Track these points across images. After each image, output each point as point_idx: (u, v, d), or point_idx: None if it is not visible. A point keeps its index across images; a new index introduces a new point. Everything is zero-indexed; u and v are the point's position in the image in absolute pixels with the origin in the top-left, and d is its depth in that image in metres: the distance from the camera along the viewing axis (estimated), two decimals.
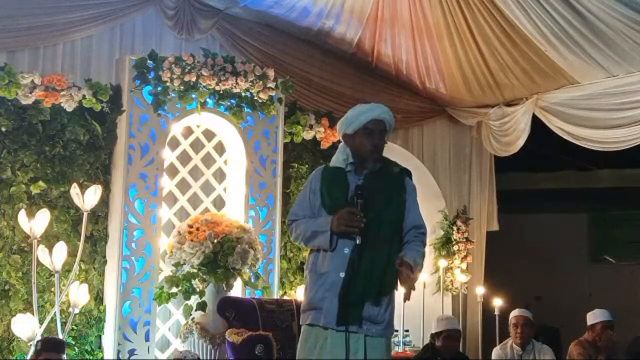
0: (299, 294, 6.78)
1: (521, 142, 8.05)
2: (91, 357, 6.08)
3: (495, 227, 8.70)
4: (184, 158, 6.80)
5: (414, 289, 3.75)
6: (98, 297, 6.21)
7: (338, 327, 3.68)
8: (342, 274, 3.69)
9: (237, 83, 6.65)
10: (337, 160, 3.88)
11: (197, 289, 6.17)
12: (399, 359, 6.99)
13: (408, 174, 3.99)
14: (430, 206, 8.27)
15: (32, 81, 6.00)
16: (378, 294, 3.73)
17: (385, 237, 3.75)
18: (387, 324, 3.80)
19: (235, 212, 6.74)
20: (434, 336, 5.96)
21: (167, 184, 6.60)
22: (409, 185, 3.94)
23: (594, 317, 6.41)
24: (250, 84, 6.72)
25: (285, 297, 6.82)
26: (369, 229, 3.69)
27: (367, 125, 3.81)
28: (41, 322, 5.67)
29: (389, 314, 3.80)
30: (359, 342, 3.70)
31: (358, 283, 3.68)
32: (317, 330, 3.73)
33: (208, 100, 6.64)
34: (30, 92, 5.99)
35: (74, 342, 6.00)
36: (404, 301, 3.80)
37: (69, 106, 6.12)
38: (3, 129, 5.95)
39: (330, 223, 3.70)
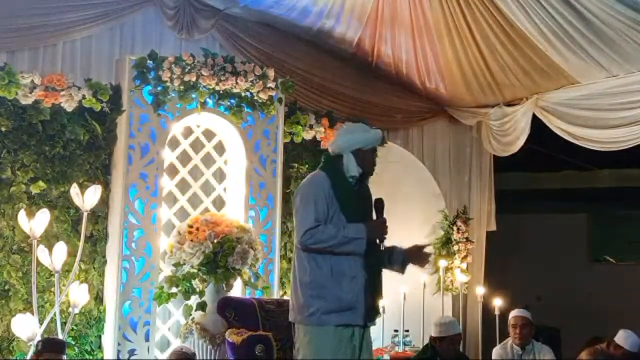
0: None
1: (521, 142, 8.05)
2: (91, 357, 6.08)
3: (492, 227, 8.69)
4: (184, 158, 6.79)
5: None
6: (98, 297, 6.21)
7: (362, 324, 4.08)
8: (365, 276, 4.08)
9: (237, 83, 6.64)
10: (348, 170, 4.18)
11: (197, 289, 6.17)
12: (399, 359, 6.99)
13: None
14: (430, 206, 8.27)
15: (32, 81, 6.01)
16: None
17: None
18: None
19: (235, 212, 6.74)
20: (435, 339, 5.92)
21: (167, 184, 6.59)
22: None
23: (624, 339, 6.14)
24: (250, 84, 6.71)
25: (285, 297, 6.80)
26: None
27: (375, 145, 4.29)
28: (41, 322, 5.67)
29: None
30: (367, 334, 4.17)
31: (380, 283, 4.20)
32: (348, 330, 4.04)
33: (208, 100, 6.63)
34: (30, 92, 5.99)
35: (74, 342, 6.00)
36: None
37: (69, 106, 6.12)
38: (3, 129, 5.94)
39: (365, 231, 4.05)
